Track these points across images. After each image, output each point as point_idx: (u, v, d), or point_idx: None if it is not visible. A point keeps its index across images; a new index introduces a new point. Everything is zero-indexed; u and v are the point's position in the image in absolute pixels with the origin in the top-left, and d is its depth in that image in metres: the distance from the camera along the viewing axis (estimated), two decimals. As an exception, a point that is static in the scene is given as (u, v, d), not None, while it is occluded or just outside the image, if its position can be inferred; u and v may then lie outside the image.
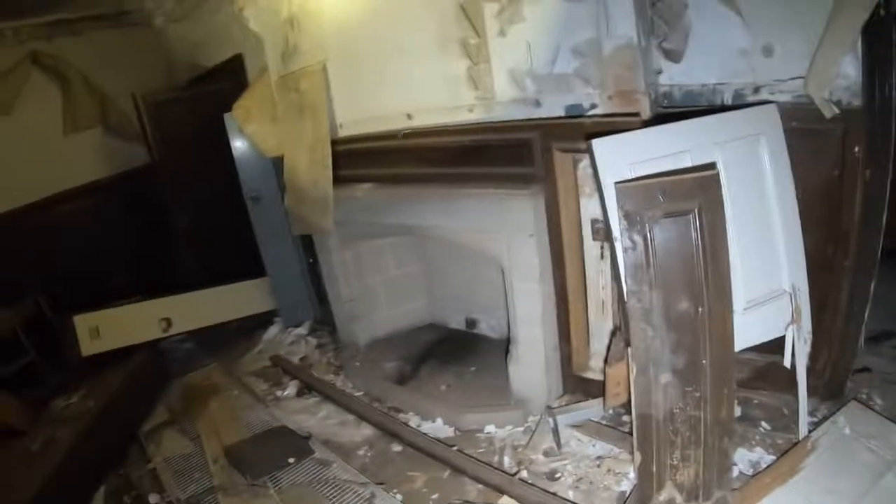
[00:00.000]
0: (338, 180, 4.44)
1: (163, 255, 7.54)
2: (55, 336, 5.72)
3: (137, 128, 7.12)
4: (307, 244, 5.49)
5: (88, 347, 5.53)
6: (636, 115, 2.85)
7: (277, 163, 5.22)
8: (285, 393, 4.80)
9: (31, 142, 6.54)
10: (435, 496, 3.30)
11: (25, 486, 3.62)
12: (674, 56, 3.00)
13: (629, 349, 2.60)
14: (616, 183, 2.50)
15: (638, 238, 2.47)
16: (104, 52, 7.06)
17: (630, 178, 2.55)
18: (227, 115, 5.28)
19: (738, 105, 2.86)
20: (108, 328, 5.64)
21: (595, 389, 3.55)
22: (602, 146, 2.58)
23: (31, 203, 6.57)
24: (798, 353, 2.89)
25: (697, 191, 2.48)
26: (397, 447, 3.81)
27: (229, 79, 5.92)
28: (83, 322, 5.56)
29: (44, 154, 6.66)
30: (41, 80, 6.65)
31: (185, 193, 6.92)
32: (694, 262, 2.50)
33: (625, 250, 2.49)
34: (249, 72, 5.61)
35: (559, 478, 3.20)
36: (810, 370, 2.97)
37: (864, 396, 3.19)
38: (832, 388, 3.16)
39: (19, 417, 4.79)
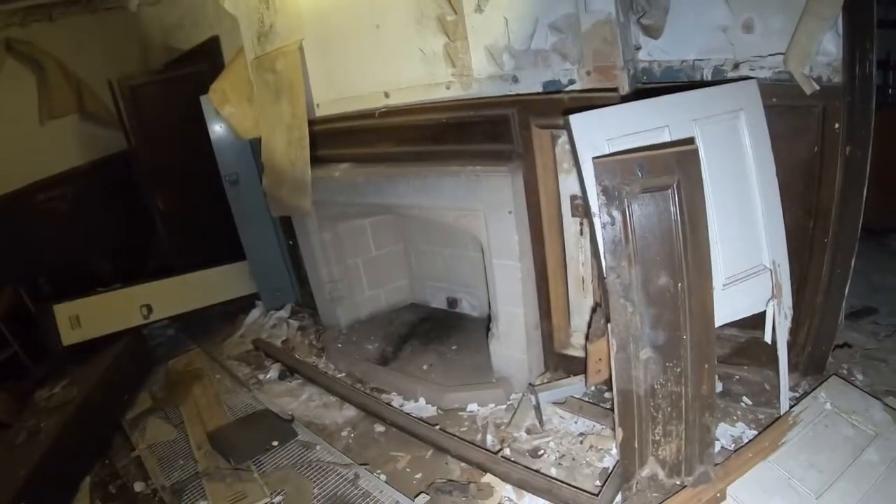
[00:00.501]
0: (316, 161, 4.41)
1: (143, 241, 7.49)
2: (36, 326, 5.66)
3: (114, 113, 7.03)
4: (286, 226, 5.45)
5: (69, 336, 5.49)
6: (614, 90, 2.83)
7: (255, 145, 5.18)
8: (268, 376, 4.79)
9: (6, 131, 6.45)
10: (418, 475, 3.31)
11: (11, 479, 3.60)
12: (653, 32, 2.98)
13: (609, 325, 2.59)
14: (594, 158, 2.48)
15: (616, 213, 2.46)
16: (79, 38, 6.98)
17: (608, 153, 2.54)
18: (203, 98, 5.22)
19: (718, 81, 2.85)
20: (89, 316, 5.59)
21: (577, 366, 3.57)
22: (579, 121, 2.56)
23: (8, 192, 6.49)
24: (779, 329, 2.91)
25: (676, 166, 2.46)
26: (380, 428, 3.81)
27: (205, 61, 5.86)
28: (63, 311, 5.51)
29: (20, 143, 6.58)
30: (15, 67, 6.55)
31: (164, 178, 6.85)
32: (673, 238, 2.49)
33: (603, 226, 2.47)
34: (226, 54, 5.54)
35: (542, 455, 3.22)
36: (791, 346, 3.00)
37: (844, 372, 3.23)
38: (813, 363, 3.19)
39: (3, 410, 4.77)
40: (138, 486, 3.80)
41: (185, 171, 6.48)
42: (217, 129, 5.44)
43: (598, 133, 2.58)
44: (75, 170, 7.13)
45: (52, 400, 4.64)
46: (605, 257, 2.51)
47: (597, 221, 2.51)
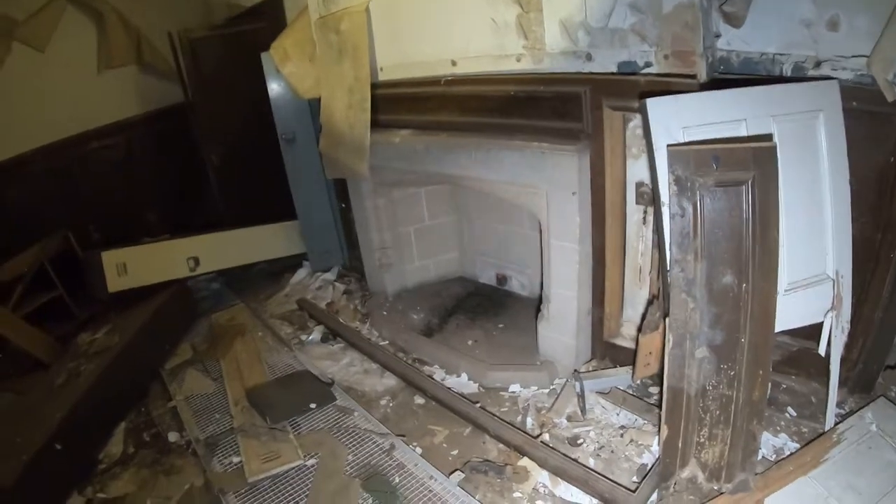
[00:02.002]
0: (376, 125, 4.36)
1: (194, 194, 7.54)
2: (83, 272, 5.74)
3: (172, 66, 7.05)
4: (340, 189, 5.40)
5: (115, 284, 5.56)
6: (693, 77, 2.72)
7: (314, 105, 5.14)
8: (310, 338, 4.80)
9: (64, 78, 6.49)
10: (454, 452, 3.30)
11: (48, 419, 3.66)
12: (734, 20, 2.86)
13: (666, 319, 2.54)
14: (669, 146, 2.41)
15: (687, 205, 2.38)
16: (141, -11, 6.98)
17: (683, 141, 2.46)
18: (264, 55, 5.19)
19: (798, 78, 2.72)
20: (136, 265, 5.66)
21: (624, 357, 3.52)
22: (656, 106, 2.49)
23: (63, 139, 6.55)
24: (834, 343, 2.82)
25: (752, 162, 2.38)
26: (420, 400, 3.81)
27: (267, 19, 5.79)
28: (111, 258, 5.58)
29: (77, 91, 6.61)
30: (76, 16, 6.57)
31: (219, 133, 6.87)
32: (742, 236, 2.42)
33: (672, 216, 2.40)
34: (288, 12, 5.48)
35: (581, 444, 3.18)
36: (843, 361, 2.89)
37: (893, 394, 3.10)
38: (862, 381, 3.07)
39: (44, 350, 4.84)
40: (172, 437, 3.85)
41: (240, 128, 6.50)
42: (276, 87, 5.40)
43: (675, 120, 2.50)
44: (130, 120, 7.17)
45: (94, 345, 4.67)
46: (670, 249, 2.44)
47: (665, 211, 2.44)
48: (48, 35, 6.30)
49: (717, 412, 2.57)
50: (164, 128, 7.35)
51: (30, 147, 6.31)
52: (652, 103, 2.49)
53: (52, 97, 6.36)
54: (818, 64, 2.70)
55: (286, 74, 4.95)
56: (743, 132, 2.56)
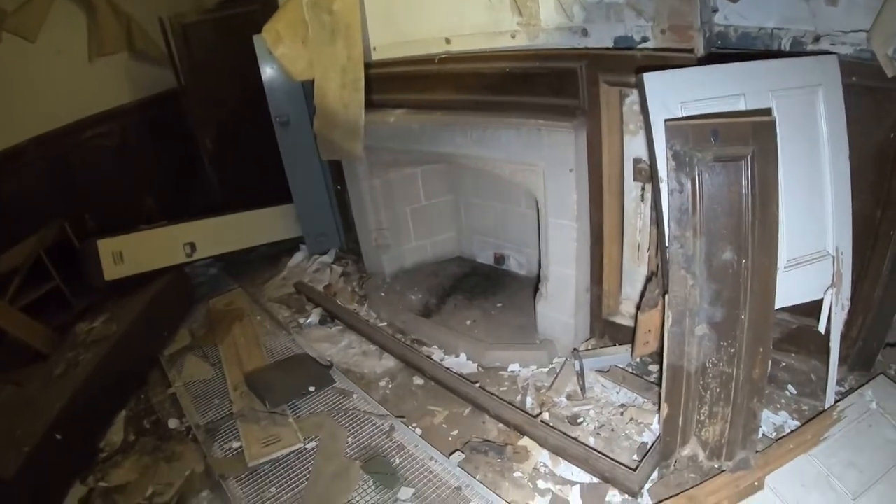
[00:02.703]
0: (370, 105, 4.34)
1: (189, 180, 7.52)
2: (79, 262, 5.71)
3: (164, 52, 7.01)
4: (335, 170, 5.39)
5: (112, 272, 5.53)
6: (690, 51, 2.70)
7: (307, 87, 5.11)
8: (308, 321, 4.79)
9: (56, 67, 6.45)
10: (454, 432, 3.30)
11: (47, 409, 3.66)
12: (732, -6, 2.84)
13: (666, 296, 2.52)
14: (666, 120, 2.38)
15: (686, 180, 2.36)
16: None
17: (681, 116, 2.44)
18: (256, 38, 5.14)
19: (796, 53, 2.69)
20: (132, 253, 5.63)
21: (623, 335, 3.52)
22: (654, 81, 2.46)
23: (56, 128, 6.52)
24: (834, 320, 2.81)
25: (752, 136, 2.36)
26: (419, 380, 3.81)
27: (259, 2, 5.77)
28: (107, 247, 5.55)
29: (69, 79, 6.57)
30: (65, 5, 6.51)
31: (213, 118, 6.85)
32: (742, 212, 2.41)
33: (671, 192, 2.39)
34: (280, -6, 5.46)
35: (581, 423, 3.19)
36: (843, 338, 2.88)
37: (892, 372, 3.10)
38: (862, 359, 3.07)
39: (42, 341, 4.83)
40: (172, 423, 3.86)
41: (234, 112, 6.49)
42: (269, 70, 5.37)
43: (672, 95, 2.47)
44: (123, 107, 7.13)
45: (92, 334, 4.66)
46: (669, 225, 2.43)
47: (664, 187, 2.42)
48: (38, 25, 6.25)
49: (718, 390, 2.57)
50: (157, 114, 7.33)
51: (23, 137, 6.27)
52: (649, 78, 2.46)
53: (44, 87, 6.32)
54: (817, 39, 2.66)
55: (279, 56, 4.90)
56: (742, 107, 2.53)
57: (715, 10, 2.82)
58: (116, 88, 7.03)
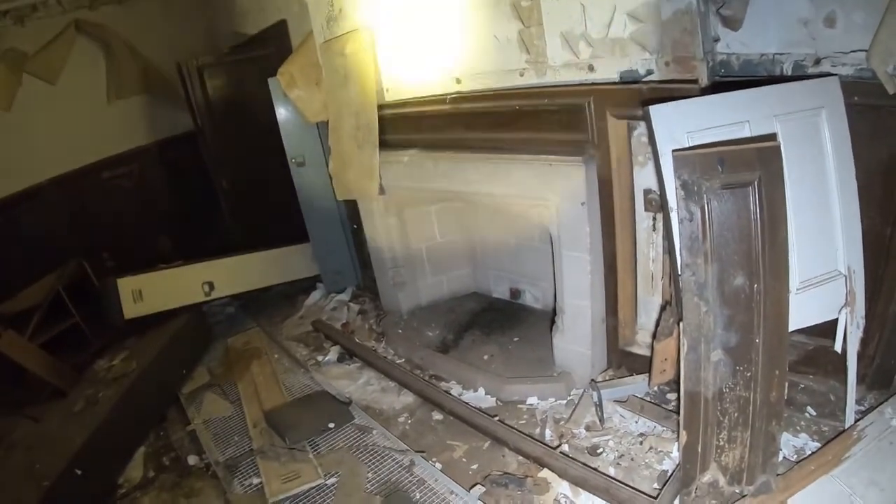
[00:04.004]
0: (383, 145, 4.39)
1: (205, 220, 7.60)
2: (98, 299, 5.77)
3: (181, 94, 7.14)
4: (351, 210, 5.44)
5: (131, 310, 5.57)
6: (694, 82, 2.73)
7: (322, 128, 5.20)
8: (326, 358, 4.82)
9: (75, 108, 6.60)
10: (474, 466, 3.30)
11: (67, 444, 3.70)
12: (732, 23, 2.87)
13: (680, 324, 2.53)
14: (674, 151, 2.42)
15: (695, 209, 2.39)
16: (147, 20, 7.12)
17: (688, 146, 2.47)
18: (271, 80, 5.26)
19: (798, 77, 2.73)
20: (151, 291, 5.68)
21: (640, 365, 3.51)
22: (660, 113, 2.49)
23: (75, 168, 6.65)
24: (850, 339, 2.80)
25: (757, 162, 2.40)
26: (438, 416, 3.81)
27: (273, 45, 5.86)
28: (126, 285, 5.60)
29: (88, 121, 6.75)
30: (86, 47, 6.69)
31: (229, 158, 6.95)
32: (751, 237, 2.43)
33: (681, 221, 2.41)
34: (293, 38, 5.55)
35: (601, 453, 3.17)
36: (859, 357, 2.87)
37: (911, 389, 3.09)
38: (881, 377, 3.04)
39: (61, 378, 4.88)
40: (192, 460, 3.89)
41: (250, 152, 6.58)
42: (284, 112, 5.47)
43: (678, 125, 2.50)
44: (141, 149, 7.29)
45: (111, 371, 4.72)
46: (681, 253, 2.45)
47: (674, 216, 2.45)
48: (59, 68, 6.42)
49: (736, 414, 2.56)
50: (174, 155, 7.48)
51: (43, 177, 6.42)
52: (655, 110, 2.49)
53: (64, 128, 6.47)
54: (818, 61, 2.70)
55: (293, 99, 5.00)
56: (747, 133, 2.55)
57: (717, 40, 2.88)
58: (134, 130, 7.23)
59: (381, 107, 4.33)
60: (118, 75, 6.93)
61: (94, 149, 6.81)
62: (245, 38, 6.55)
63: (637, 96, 2.87)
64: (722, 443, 2.60)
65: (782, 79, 2.73)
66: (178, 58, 6.84)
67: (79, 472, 3.57)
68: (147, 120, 7.33)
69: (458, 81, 3.77)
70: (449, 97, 3.86)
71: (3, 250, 6.05)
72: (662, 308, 3.27)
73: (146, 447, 4.15)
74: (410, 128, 4.30)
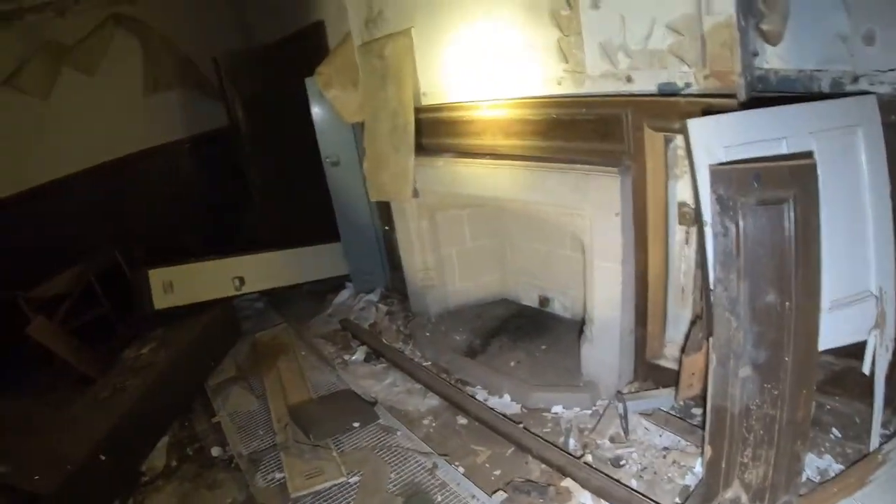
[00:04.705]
0: (419, 148, 4.42)
1: (236, 216, 7.66)
2: (129, 289, 5.86)
3: (217, 90, 7.21)
4: (383, 211, 5.48)
5: (161, 301, 5.66)
6: (732, 96, 2.71)
7: (357, 128, 5.23)
8: (353, 357, 4.84)
9: (112, 101, 6.68)
10: (497, 472, 3.29)
11: (93, 430, 3.76)
12: (771, 38, 2.85)
13: (710, 339, 2.53)
14: (711, 165, 2.41)
15: (730, 224, 2.39)
16: (185, 16, 7.17)
17: (724, 161, 2.46)
18: (308, 80, 5.30)
19: (835, 94, 2.70)
20: (182, 283, 5.76)
21: (666, 378, 3.49)
22: (698, 127, 2.49)
23: (110, 160, 6.73)
24: (878, 361, 2.75)
25: (793, 179, 2.39)
26: (462, 420, 3.81)
27: (309, 44, 5.89)
28: (158, 276, 5.69)
29: (124, 113, 6.83)
30: (124, 41, 6.77)
31: (262, 155, 7.01)
32: (784, 254, 2.41)
33: (715, 236, 2.41)
34: (330, 38, 5.59)
35: (624, 465, 3.16)
36: (887, 380, 2.83)
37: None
38: (907, 401, 3.02)
39: (89, 364, 4.95)
40: (215, 451, 3.94)
41: (284, 150, 6.61)
42: (320, 111, 5.51)
43: (716, 140, 2.49)
44: (175, 142, 7.37)
45: (139, 360, 4.78)
46: (714, 268, 2.44)
47: (708, 231, 2.44)
48: (98, 60, 6.49)
49: (761, 432, 2.54)
50: (208, 150, 7.53)
51: (79, 167, 6.48)
52: (693, 124, 2.49)
53: (100, 119, 6.54)
54: (855, 79, 2.67)
55: (330, 99, 5.04)
56: (783, 150, 2.53)
57: (755, 54, 2.85)
58: (169, 124, 7.29)
59: (417, 110, 4.35)
60: (155, 69, 7.01)
61: (128, 141, 6.88)
62: (281, 37, 6.59)
63: (675, 109, 2.85)
64: (746, 460, 2.58)
65: (819, 96, 2.71)
66: (214, 54, 6.93)
67: (103, 457, 3.62)
68: (182, 114, 7.40)
69: (496, 88, 3.78)
70: (486, 103, 3.88)
71: (36, 238, 6.14)
72: (692, 322, 3.25)
73: (170, 437, 4.20)
74: (446, 132, 4.31)
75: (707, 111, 2.61)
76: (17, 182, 6.11)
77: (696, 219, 2.60)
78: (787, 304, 2.43)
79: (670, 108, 2.89)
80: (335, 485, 3.34)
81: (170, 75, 7.14)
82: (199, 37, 7.24)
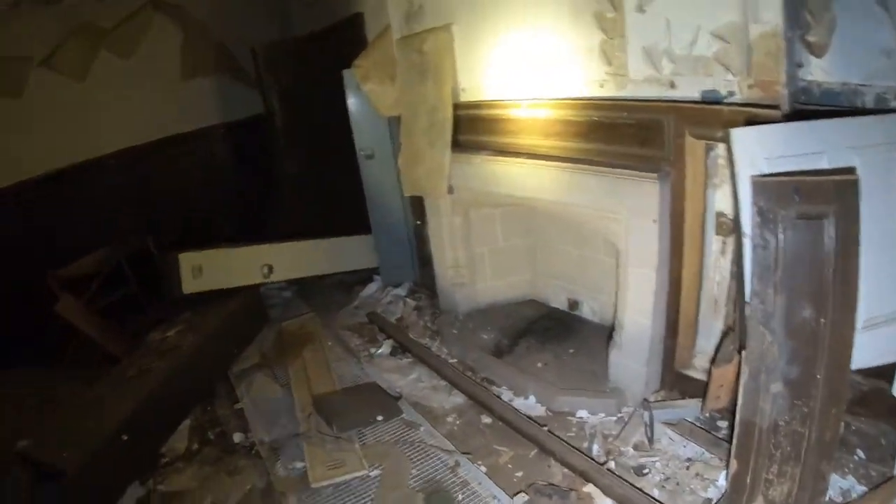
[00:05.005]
0: (455, 145, 4.41)
1: (269, 204, 7.70)
2: (158, 272, 5.92)
3: (253, 78, 7.25)
4: (416, 206, 5.48)
5: (190, 285, 5.70)
6: (776, 107, 2.67)
7: (393, 122, 5.23)
8: (379, 351, 4.85)
9: (148, 85, 6.73)
10: (519, 474, 3.28)
11: (116, 410, 3.81)
12: (816, 49, 2.80)
13: (743, 352, 2.50)
14: (752, 177, 2.38)
15: (770, 237, 2.36)
16: (223, 3, 7.20)
17: (766, 173, 2.43)
18: (346, 72, 5.31)
19: (879, 110, 2.65)
20: (211, 268, 5.79)
21: (693, 388, 3.45)
22: (742, 136, 2.46)
23: (144, 143, 6.78)
24: (907, 384, 2.72)
25: (835, 195, 2.35)
26: (487, 419, 3.80)
27: (347, 37, 5.89)
28: (187, 260, 5.72)
29: (161, 98, 6.87)
30: (161, 26, 6.80)
31: (296, 145, 7.03)
32: (823, 270, 2.38)
33: (754, 248, 2.38)
34: (368, 31, 5.59)
35: (646, 474, 3.14)
36: (916, 404, 2.80)
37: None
38: (934, 425, 2.97)
39: (115, 344, 5.00)
40: (237, 437, 3.96)
41: (318, 141, 6.65)
42: (356, 104, 5.51)
43: (759, 151, 2.46)
44: (209, 128, 7.40)
45: (165, 343, 4.82)
46: (751, 281, 2.41)
47: (747, 242, 2.41)
48: (135, 44, 6.54)
49: (788, 449, 2.51)
50: (243, 138, 7.56)
51: (112, 149, 6.54)
52: (737, 134, 2.46)
53: (135, 102, 6.59)
54: (900, 95, 2.64)
55: (367, 92, 5.04)
56: (824, 164, 2.49)
57: (799, 66, 2.79)
58: (204, 110, 7.30)
59: (455, 106, 4.34)
60: (192, 55, 7.04)
61: (163, 125, 6.91)
62: (319, 28, 6.60)
63: (718, 117, 2.82)
64: (771, 476, 2.55)
65: (863, 111, 2.66)
66: (251, 42, 6.96)
67: (125, 437, 3.67)
68: (217, 101, 7.43)
69: (536, 87, 3.76)
70: (526, 102, 3.86)
71: (68, 218, 6.21)
72: (724, 334, 3.22)
73: (192, 420, 4.24)
74: (483, 129, 4.29)
75: (750, 121, 2.58)
76: (50, 161, 6.17)
77: (734, 229, 2.57)
78: (823, 320, 2.40)
79: (713, 116, 2.85)
80: (356, 477, 3.35)
81: (207, 62, 7.18)
82: (237, 25, 7.27)
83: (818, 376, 2.44)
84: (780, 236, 2.36)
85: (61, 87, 6.18)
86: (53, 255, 5.62)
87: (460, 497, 3.12)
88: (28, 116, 5.97)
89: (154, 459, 3.85)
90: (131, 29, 6.53)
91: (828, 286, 2.38)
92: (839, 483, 2.87)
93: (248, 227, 7.32)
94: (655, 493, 2.99)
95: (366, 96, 5.17)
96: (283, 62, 6.98)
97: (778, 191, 2.35)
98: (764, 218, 2.36)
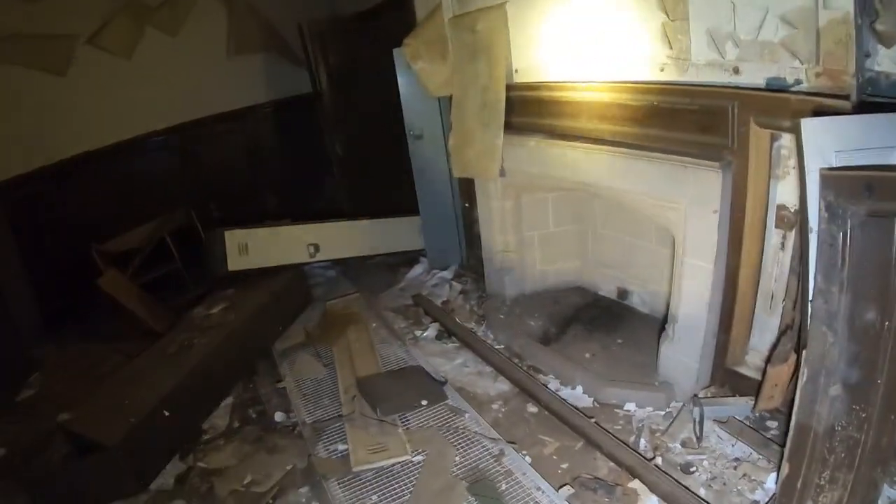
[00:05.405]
0: (508, 127, 4.32)
1: (315, 183, 7.71)
2: (202, 248, 5.95)
3: (301, 57, 7.23)
4: (465, 188, 5.42)
5: (235, 262, 5.70)
6: (845, 97, 2.56)
7: (443, 102, 5.17)
8: (424, 334, 4.83)
9: (194, 62, 6.78)
10: (564, 465, 3.24)
11: (158, 385, 3.86)
12: (886, 39, 2.67)
13: (803, 352, 2.41)
14: (822, 170, 2.28)
15: (837, 233, 2.25)
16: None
17: (836, 166, 2.33)
18: (396, 51, 5.25)
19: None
20: (257, 246, 5.80)
21: (744, 386, 3.38)
22: (812, 127, 2.35)
23: (191, 120, 6.84)
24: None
25: (909, 193, 2.23)
26: (532, 408, 3.76)
27: (396, 15, 5.81)
28: (233, 237, 5.73)
29: (208, 75, 6.93)
30: (207, 3, 6.82)
31: (344, 124, 7.03)
32: (890, 271, 2.25)
33: (821, 244, 2.28)
34: (418, 10, 5.50)
35: (693, 472, 3.07)
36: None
37: None
38: None
39: (157, 319, 5.07)
40: (278, 416, 3.98)
41: (366, 120, 6.64)
42: (406, 84, 5.46)
43: (829, 143, 2.35)
44: (256, 106, 7.44)
45: (208, 319, 4.85)
46: (816, 278, 2.31)
47: (813, 238, 2.31)
48: (181, 21, 6.57)
49: (843, 455, 2.42)
50: (290, 116, 7.59)
51: (159, 125, 6.61)
52: (807, 124, 2.36)
53: (181, 79, 6.66)
54: (972, 90, 2.51)
55: (417, 71, 4.98)
56: (894, 160, 2.38)
57: (867, 55, 2.68)
58: (251, 87, 7.37)
59: (508, 87, 4.26)
60: (238, 32, 7.05)
61: (209, 102, 6.97)
62: (369, 5, 6.56)
63: (785, 106, 2.71)
64: (823, 482, 2.46)
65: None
66: (297, 20, 6.94)
67: (166, 413, 3.72)
68: (264, 79, 7.46)
69: (593, 69, 3.68)
70: (582, 84, 3.77)
71: (114, 193, 6.31)
72: (782, 332, 3.12)
73: (234, 398, 4.27)
74: (537, 111, 4.19)
75: (817, 111, 2.48)
76: (98, 138, 6.25)
77: (799, 224, 2.48)
78: (887, 323, 2.28)
79: (780, 105, 2.74)
80: (398, 462, 3.32)
81: (253, 40, 7.20)
82: (283, 3, 7.27)
83: (879, 381, 2.32)
84: (849, 233, 2.25)
85: (108, 64, 6.24)
86: (100, 229, 5.73)
87: (504, 487, 3.08)
88: (74, 94, 6.04)
89: (195, 436, 3.89)
90: (177, 6, 6.57)
91: (894, 289, 2.26)
92: (888, 493, 2.75)
93: (296, 205, 7.32)
94: (702, 492, 2.92)
95: (416, 76, 5.11)
96: (332, 40, 6.96)
97: (849, 185, 2.24)
98: (832, 213, 2.25)
